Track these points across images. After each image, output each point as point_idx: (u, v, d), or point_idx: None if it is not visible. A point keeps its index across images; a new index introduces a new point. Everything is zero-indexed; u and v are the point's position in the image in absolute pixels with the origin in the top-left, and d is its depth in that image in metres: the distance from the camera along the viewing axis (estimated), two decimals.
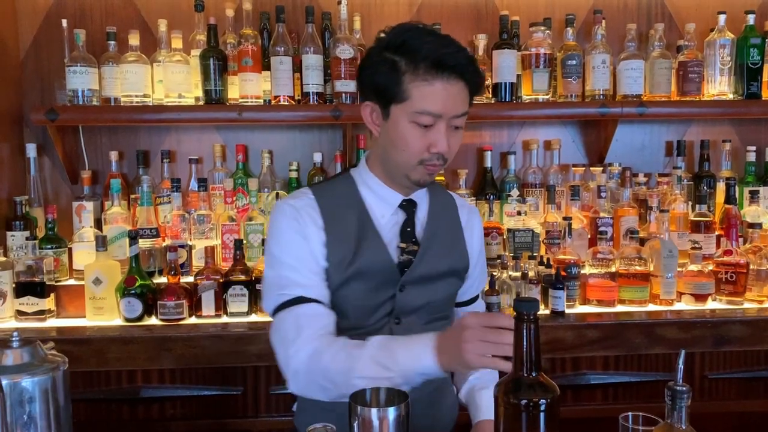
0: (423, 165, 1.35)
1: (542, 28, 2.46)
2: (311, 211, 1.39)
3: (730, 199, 2.47)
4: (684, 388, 0.98)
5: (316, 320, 1.31)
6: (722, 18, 2.49)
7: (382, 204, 1.44)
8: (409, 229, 1.43)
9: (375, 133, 1.40)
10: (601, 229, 2.37)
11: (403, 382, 1.17)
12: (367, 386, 1.12)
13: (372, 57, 1.36)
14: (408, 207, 1.45)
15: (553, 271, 2.23)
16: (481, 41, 2.51)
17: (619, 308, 2.27)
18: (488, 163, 2.60)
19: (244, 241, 2.29)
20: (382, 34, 1.37)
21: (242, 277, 2.19)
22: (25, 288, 2.17)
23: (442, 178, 2.54)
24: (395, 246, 1.41)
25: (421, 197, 1.48)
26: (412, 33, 1.32)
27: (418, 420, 1.33)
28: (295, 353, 1.28)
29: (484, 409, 1.37)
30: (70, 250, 2.34)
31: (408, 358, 1.19)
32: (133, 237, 2.17)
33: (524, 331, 0.96)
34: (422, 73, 1.29)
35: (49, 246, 2.29)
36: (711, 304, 2.30)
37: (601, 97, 2.46)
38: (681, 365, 1.01)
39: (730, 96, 2.51)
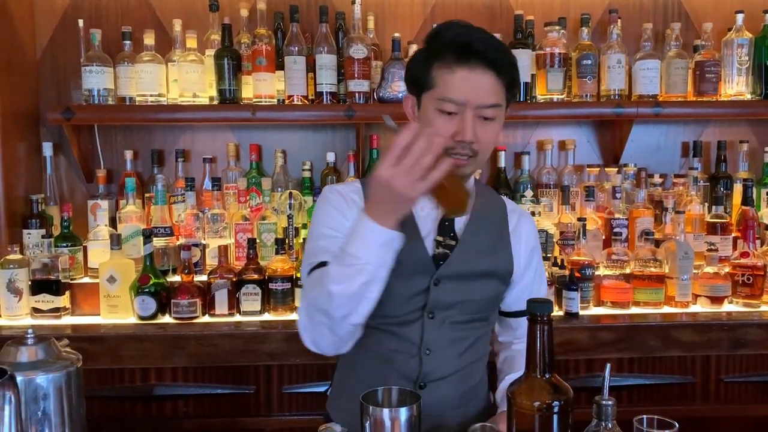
0: (450, 155, 1.34)
1: (557, 27, 2.45)
2: (355, 196, 1.44)
3: (747, 200, 2.44)
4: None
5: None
6: (740, 17, 2.47)
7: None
8: (447, 223, 1.43)
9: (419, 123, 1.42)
10: (616, 230, 2.35)
11: (376, 266, 1.20)
12: (343, 292, 1.19)
13: (415, 52, 1.41)
14: None
15: (567, 272, 2.22)
16: None
17: (634, 310, 2.25)
18: (502, 163, 2.59)
19: (258, 241, 2.30)
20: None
21: (255, 276, 2.20)
22: (40, 285, 2.19)
23: None
24: (433, 238, 1.42)
25: None
26: (448, 25, 1.36)
27: (448, 418, 1.37)
28: (302, 304, 1.33)
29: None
30: (85, 248, 2.36)
31: (356, 241, 1.21)
32: (148, 236, 2.18)
33: (537, 332, 0.95)
34: (447, 61, 1.31)
35: (65, 244, 2.31)
36: (727, 307, 2.28)
37: (617, 97, 2.44)
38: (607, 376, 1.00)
39: (748, 96, 2.48)
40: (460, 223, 1.45)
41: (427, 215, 1.44)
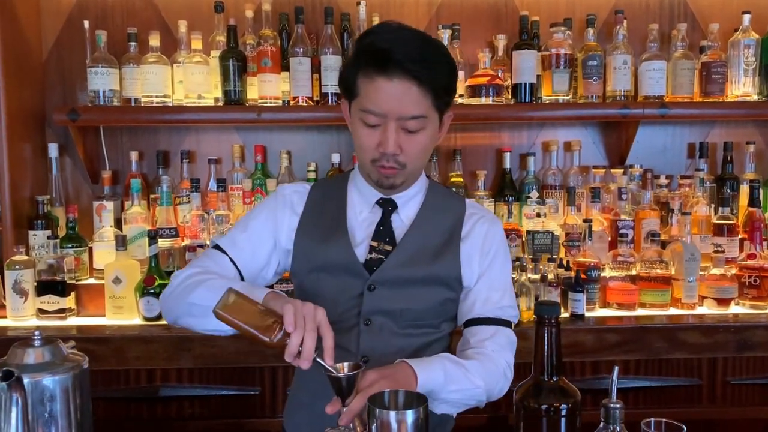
0: (376, 165, 1.32)
1: (563, 28, 2.44)
2: (297, 198, 1.45)
3: (754, 201, 2.43)
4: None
5: (212, 261, 1.38)
6: (747, 18, 2.45)
7: (362, 201, 1.44)
8: (382, 228, 1.40)
9: (350, 129, 1.40)
10: (622, 231, 2.34)
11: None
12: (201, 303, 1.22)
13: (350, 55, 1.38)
14: (385, 205, 1.42)
15: (572, 274, 2.21)
16: (501, 42, 2.50)
17: (640, 312, 2.25)
18: (507, 165, 2.58)
19: None
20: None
21: None
22: (46, 286, 2.19)
23: (461, 179, 2.53)
24: (367, 244, 1.39)
25: (409, 199, 1.43)
26: (378, 27, 1.31)
27: None
28: (177, 274, 1.36)
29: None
30: (90, 249, 2.36)
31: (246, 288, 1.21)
32: (153, 237, 2.18)
33: (545, 335, 0.95)
34: (369, 69, 1.26)
35: (70, 245, 2.31)
36: (734, 309, 2.27)
37: (623, 98, 2.43)
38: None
39: (755, 97, 2.47)
40: (399, 228, 1.41)
41: (364, 219, 1.42)
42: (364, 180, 1.43)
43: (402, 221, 1.42)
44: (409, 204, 1.44)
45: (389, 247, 1.38)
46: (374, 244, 1.38)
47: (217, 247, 1.43)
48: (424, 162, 1.39)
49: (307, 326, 1.09)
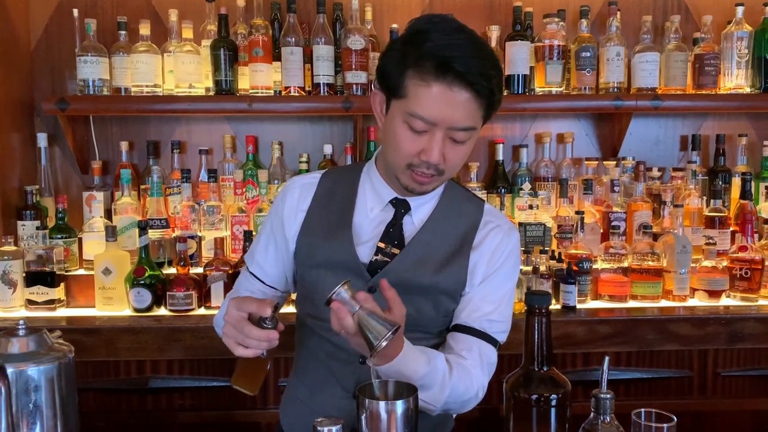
0: (411, 170, 1.25)
1: (556, 19, 2.43)
2: (305, 192, 1.41)
3: (745, 194, 2.43)
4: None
5: (244, 279, 1.46)
6: (740, 10, 2.45)
7: (374, 198, 1.38)
8: (391, 230, 1.34)
9: (380, 124, 1.33)
10: (614, 223, 2.34)
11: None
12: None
13: (392, 43, 1.30)
14: (398, 206, 1.36)
15: (564, 266, 2.21)
16: (494, 33, 2.48)
17: (631, 304, 2.25)
18: (500, 156, 2.57)
19: (254, 233, 2.28)
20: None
21: None
22: (35, 277, 2.17)
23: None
24: (374, 244, 1.34)
25: (425, 202, 1.37)
26: (434, 25, 1.21)
27: None
28: (227, 297, 1.42)
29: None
30: (80, 239, 2.35)
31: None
32: (143, 227, 2.17)
33: (535, 324, 0.94)
34: (424, 73, 1.17)
35: (60, 236, 2.29)
36: (725, 301, 2.27)
37: (616, 89, 2.43)
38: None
39: (747, 89, 2.47)
40: (410, 230, 1.35)
41: (374, 217, 1.36)
42: (380, 176, 1.37)
43: (414, 224, 1.36)
44: (423, 207, 1.38)
45: (396, 251, 1.33)
46: (381, 245, 1.33)
47: (244, 271, 1.49)
48: (458, 169, 1.35)
49: (244, 335, 1.14)
